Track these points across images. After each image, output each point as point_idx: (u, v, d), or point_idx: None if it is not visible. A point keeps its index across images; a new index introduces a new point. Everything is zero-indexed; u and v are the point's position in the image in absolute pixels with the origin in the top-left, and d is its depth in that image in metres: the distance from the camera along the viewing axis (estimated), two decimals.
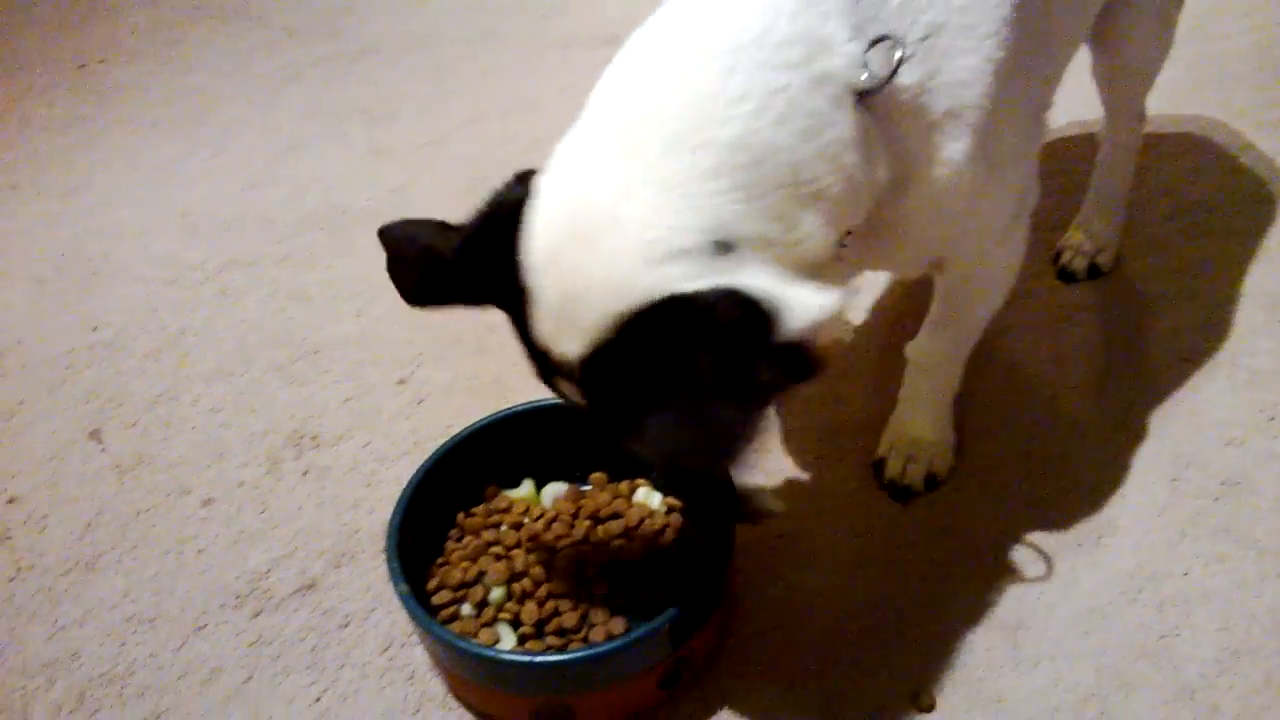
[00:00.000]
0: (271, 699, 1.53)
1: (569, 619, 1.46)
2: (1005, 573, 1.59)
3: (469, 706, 1.49)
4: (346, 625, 1.61)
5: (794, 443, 1.82)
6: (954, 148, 1.21)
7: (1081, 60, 1.77)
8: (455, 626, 1.46)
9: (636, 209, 1.05)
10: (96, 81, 3.23)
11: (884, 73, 1.11)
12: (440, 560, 1.57)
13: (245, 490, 1.84)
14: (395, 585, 1.42)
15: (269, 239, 2.45)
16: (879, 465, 1.74)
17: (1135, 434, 1.77)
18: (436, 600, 1.50)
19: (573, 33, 3.19)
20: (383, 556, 1.65)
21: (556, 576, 1.50)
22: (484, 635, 1.45)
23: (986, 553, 1.62)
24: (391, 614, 1.62)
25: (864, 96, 1.12)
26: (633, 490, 1.63)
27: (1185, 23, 1.87)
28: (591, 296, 1.06)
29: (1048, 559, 1.60)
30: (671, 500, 1.61)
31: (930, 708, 1.44)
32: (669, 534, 1.56)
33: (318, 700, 1.52)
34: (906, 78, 1.15)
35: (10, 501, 1.87)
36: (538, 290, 1.11)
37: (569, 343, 1.10)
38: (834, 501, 1.72)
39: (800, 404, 1.88)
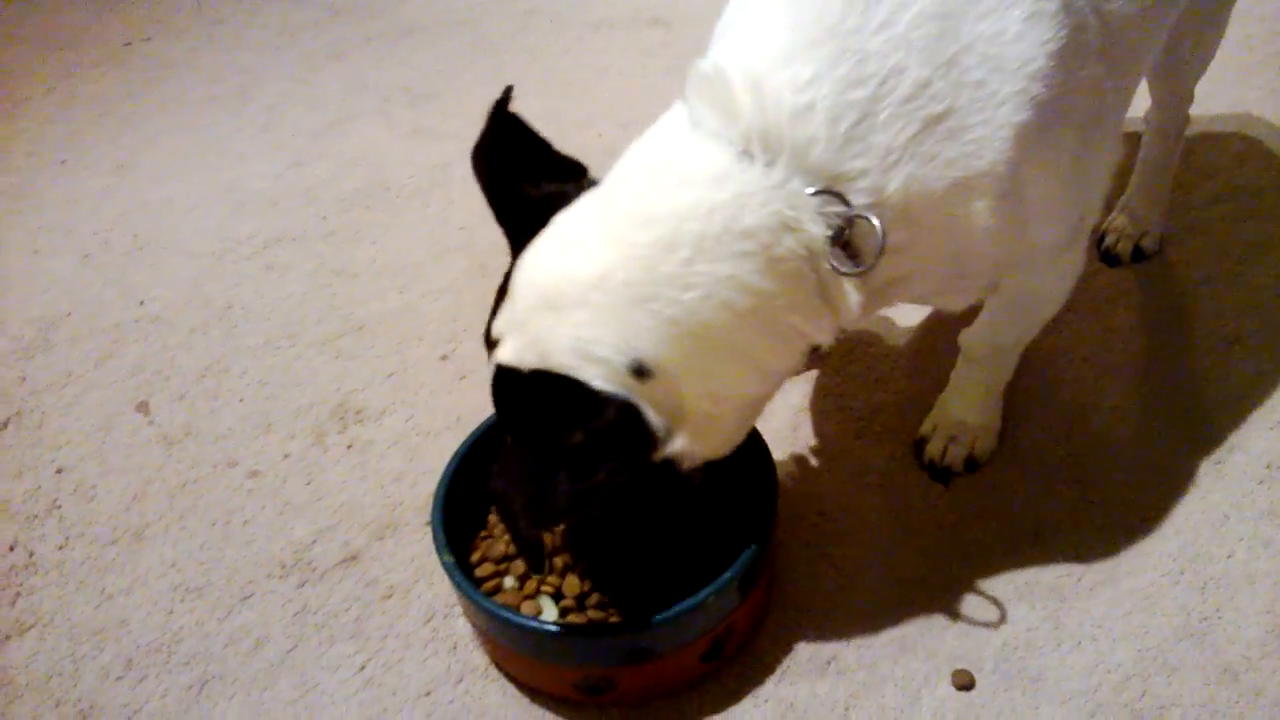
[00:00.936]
0: (316, 668, 1.55)
1: (611, 593, 1.47)
2: (1046, 553, 1.59)
3: (511, 677, 1.50)
4: (390, 596, 1.63)
5: (835, 422, 1.82)
6: (971, 211, 1.20)
7: None
8: (498, 599, 1.47)
9: (584, 313, 1.15)
10: (143, 59, 3.25)
11: (864, 260, 1.18)
12: (483, 533, 1.58)
13: (291, 462, 1.86)
14: (440, 555, 1.44)
15: (314, 215, 2.47)
16: (920, 445, 1.74)
17: (1178, 417, 1.77)
18: (480, 573, 1.51)
19: (613, 14, 3.19)
20: (425, 530, 1.68)
21: (598, 550, 1.51)
22: (526, 607, 1.46)
23: (1027, 533, 1.62)
24: (434, 586, 1.63)
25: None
26: None
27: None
28: (535, 339, 1.18)
29: (1089, 540, 1.60)
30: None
31: (969, 686, 1.44)
32: (710, 509, 1.57)
33: (362, 669, 1.54)
34: (892, 185, 1.17)
35: (59, 472, 1.90)
36: (514, 289, 1.23)
37: (504, 348, 1.22)
38: (874, 480, 1.72)
39: (841, 384, 1.88)
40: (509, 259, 1.27)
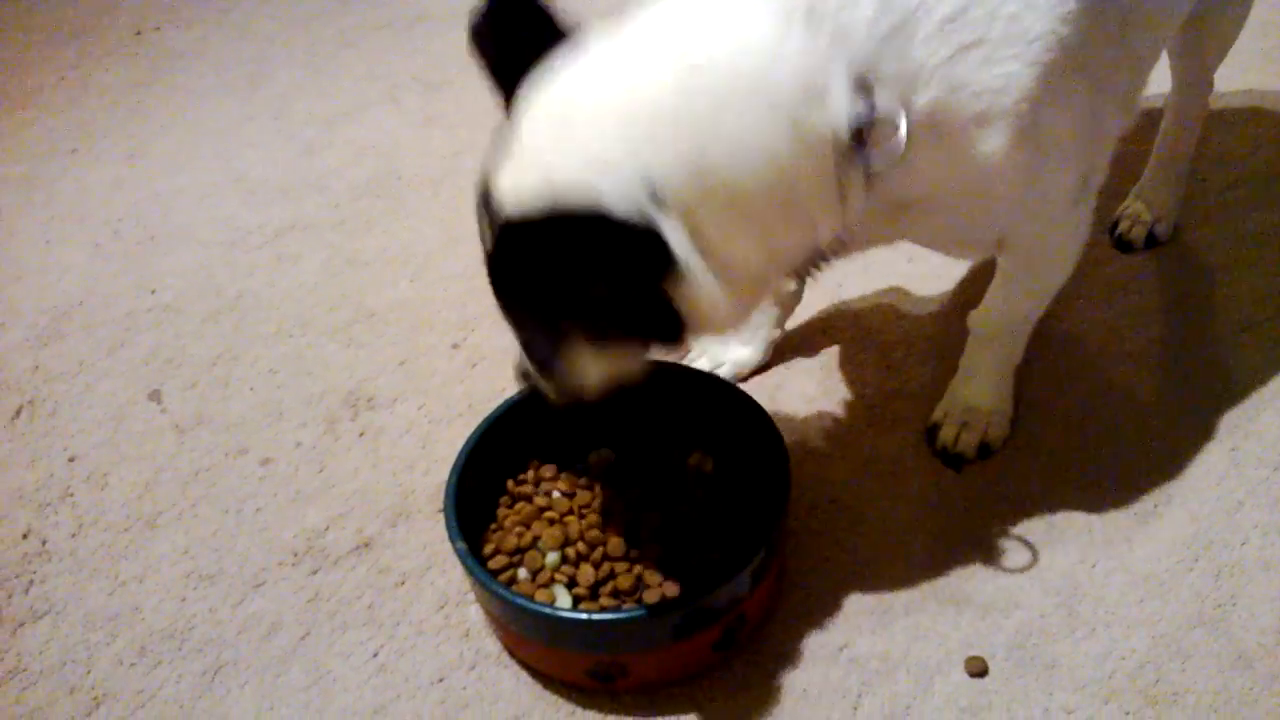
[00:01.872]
0: (329, 654, 1.55)
1: (624, 581, 1.46)
2: (1059, 539, 1.59)
3: (523, 664, 1.50)
4: (402, 583, 1.63)
5: (847, 408, 1.82)
6: (991, 144, 1.21)
7: None
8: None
9: (599, 130, 1.14)
10: (153, 48, 3.25)
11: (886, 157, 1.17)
12: (494, 526, 1.58)
13: (303, 450, 1.87)
14: (453, 542, 1.44)
15: (325, 203, 2.47)
16: (932, 431, 1.74)
17: (1192, 403, 1.76)
18: (493, 565, 1.50)
19: (625, 4, 3.18)
20: (437, 517, 1.68)
21: (610, 540, 1.51)
22: (540, 596, 1.46)
23: (1040, 520, 1.62)
24: (446, 573, 1.63)
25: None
26: (684, 456, 1.64)
27: None
28: (538, 158, 1.15)
29: (1102, 527, 1.59)
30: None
31: (983, 673, 1.44)
32: (722, 497, 1.57)
33: (374, 656, 1.54)
34: (919, 102, 1.17)
35: (72, 460, 1.90)
36: (517, 129, 1.20)
37: (501, 178, 1.19)
38: (886, 467, 1.72)
39: (853, 372, 1.87)
40: None
